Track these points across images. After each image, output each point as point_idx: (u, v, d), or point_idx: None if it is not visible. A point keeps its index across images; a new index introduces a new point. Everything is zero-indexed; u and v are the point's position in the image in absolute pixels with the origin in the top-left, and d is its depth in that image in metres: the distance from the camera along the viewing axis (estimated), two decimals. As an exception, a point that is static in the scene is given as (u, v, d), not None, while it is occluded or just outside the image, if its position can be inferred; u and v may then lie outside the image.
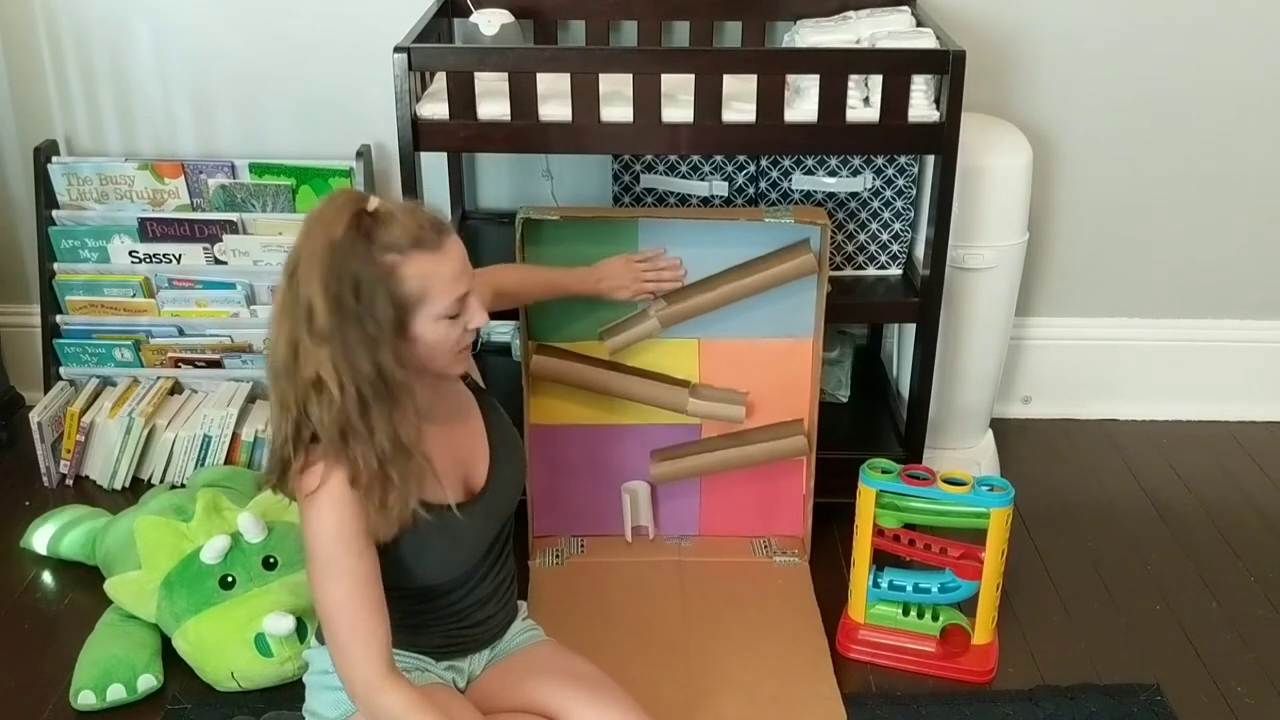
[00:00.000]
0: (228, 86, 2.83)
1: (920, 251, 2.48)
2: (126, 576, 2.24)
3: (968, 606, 2.24)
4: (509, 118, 2.26)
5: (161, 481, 2.75)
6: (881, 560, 2.26)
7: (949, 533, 2.21)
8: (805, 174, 2.55)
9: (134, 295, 2.84)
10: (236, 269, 2.82)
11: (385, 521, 1.66)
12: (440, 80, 2.32)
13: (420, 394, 1.69)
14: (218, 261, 2.82)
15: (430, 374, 1.73)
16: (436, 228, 1.65)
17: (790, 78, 2.29)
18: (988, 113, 2.70)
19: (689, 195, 2.58)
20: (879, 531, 2.22)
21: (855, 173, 2.54)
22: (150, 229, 2.80)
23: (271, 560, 2.22)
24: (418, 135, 2.28)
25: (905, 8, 2.57)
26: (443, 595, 1.84)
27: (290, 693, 2.14)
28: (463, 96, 2.25)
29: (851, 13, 2.58)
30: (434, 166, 2.69)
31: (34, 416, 2.71)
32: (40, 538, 2.50)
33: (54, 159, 2.82)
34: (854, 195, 2.56)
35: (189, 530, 2.24)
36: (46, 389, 2.83)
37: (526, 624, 2.03)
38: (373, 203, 1.64)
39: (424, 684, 1.79)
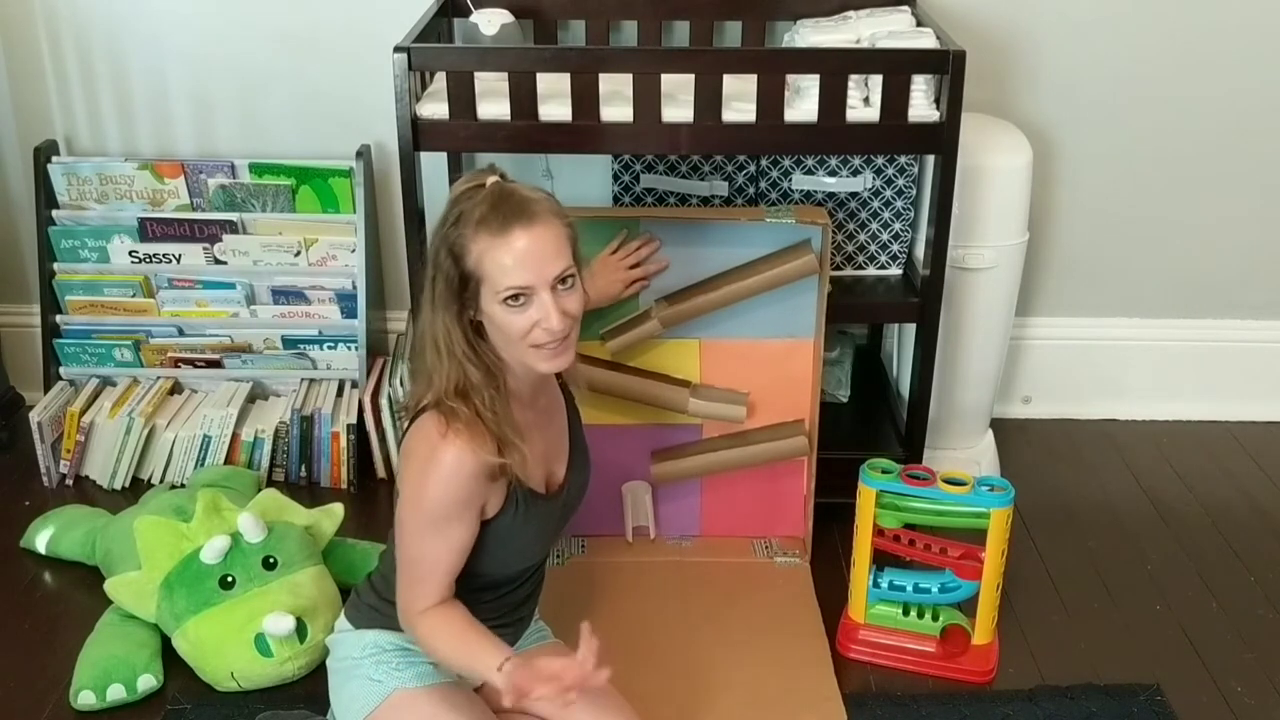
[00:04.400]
0: (228, 86, 2.83)
1: (920, 251, 2.48)
2: (126, 576, 2.24)
3: (968, 606, 2.24)
4: (509, 118, 2.26)
5: (161, 481, 2.75)
6: (881, 560, 2.26)
7: (949, 533, 2.21)
8: (805, 174, 2.55)
9: (134, 295, 2.84)
10: (236, 269, 2.82)
11: (512, 468, 1.74)
12: (440, 80, 2.32)
13: (518, 378, 1.77)
14: (217, 261, 2.82)
15: (514, 361, 1.76)
16: (512, 214, 1.66)
17: (790, 78, 2.29)
18: (988, 113, 2.70)
19: (689, 195, 2.58)
20: (879, 531, 2.22)
21: (855, 173, 2.54)
22: (150, 229, 2.80)
23: (271, 560, 2.22)
24: (418, 135, 2.28)
25: (905, 8, 2.57)
26: (494, 588, 1.86)
27: (290, 693, 2.14)
28: (463, 96, 2.25)
29: (851, 13, 2.58)
30: (434, 166, 2.68)
31: (34, 416, 2.71)
32: (40, 538, 2.50)
33: (54, 159, 2.82)
34: (854, 195, 2.56)
35: (189, 530, 2.23)
36: (46, 389, 2.83)
37: (538, 625, 2.07)
38: (489, 180, 1.70)
39: (442, 682, 1.84)
